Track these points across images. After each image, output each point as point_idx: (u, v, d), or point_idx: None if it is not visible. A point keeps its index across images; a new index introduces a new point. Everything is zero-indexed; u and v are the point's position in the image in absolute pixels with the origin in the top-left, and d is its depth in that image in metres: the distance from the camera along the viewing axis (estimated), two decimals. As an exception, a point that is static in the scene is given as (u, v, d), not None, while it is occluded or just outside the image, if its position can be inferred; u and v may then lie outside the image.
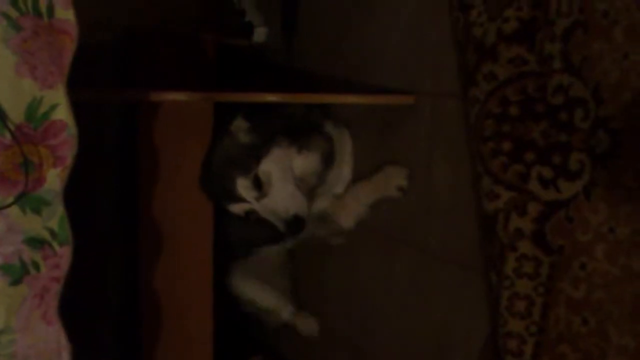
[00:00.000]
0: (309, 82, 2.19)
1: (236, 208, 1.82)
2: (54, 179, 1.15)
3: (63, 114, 1.14)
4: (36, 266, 1.16)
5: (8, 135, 1.10)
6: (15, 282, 1.15)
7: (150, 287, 1.79)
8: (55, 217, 1.16)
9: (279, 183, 1.77)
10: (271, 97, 1.70)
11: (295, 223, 1.74)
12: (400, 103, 1.74)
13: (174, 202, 1.77)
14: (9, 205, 1.12)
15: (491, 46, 1.41)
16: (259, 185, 1.76)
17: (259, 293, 2.27)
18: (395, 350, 1.91)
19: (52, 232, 1.16)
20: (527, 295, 1.36)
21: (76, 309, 1.21)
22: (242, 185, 1.76)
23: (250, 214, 1.81)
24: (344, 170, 2.00)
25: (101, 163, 1.80)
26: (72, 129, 1.15)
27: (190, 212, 1.81)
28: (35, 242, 1.16)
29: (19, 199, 1.13)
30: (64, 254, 1.18)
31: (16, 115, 1.11)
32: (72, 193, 1.18)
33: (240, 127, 1.79)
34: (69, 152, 1.15)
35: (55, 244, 1.17)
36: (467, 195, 1.56)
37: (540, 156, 1.33)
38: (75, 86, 1.15)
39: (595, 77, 1.22)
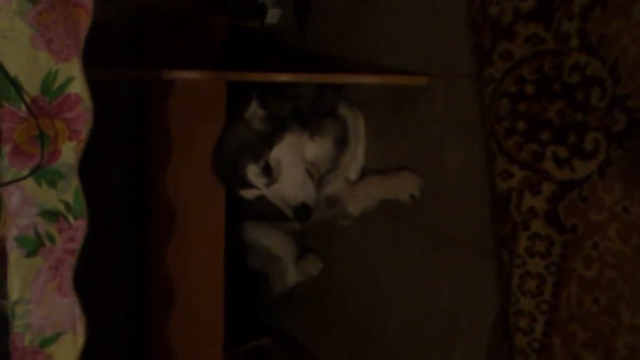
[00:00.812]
0: (321, 63, 2.19)
1: (247, 193, 1.83)
2: (69, 152, 1.16)
3: (78, 87, 1.14)
4: (51, 238, 1.17)
5: (24, 108, 1.10)
6: (31, 253, 1.16)
7: (161, 267, 1.80)
8: (70, 190, 1.17)
9: (289, 170, 1.77)
10: (284, 77, 1.70)
11: (303, 211, 1.75)
12: (412, 84, 1.73)
13: (186, 181, 1.77)
14: (24, 178, 1.13)
15: (507, 25, 1.40)
16: (269, 171, 1.76)
17: (270, 236, 2.28)
18: (403, 332, 1.92)
19: (67, 205, 1.17)
20: (538, 274, 1.36)
21: (86, 287, 1.22)
22: (252, 172, 1.77)
23: (259, 199, 1.82)
24: (358, 153, 2.00)
25: (114, 141, 1.80)
26: (87, 102, 1.15)
27: (202, 192, 1.80)
28: (50, 215, 1.16)
29: (35, 172, 1.13)
30: (79, 227, 1.18)
31: (32, 88, 1.11)
32: (86, 169, 1.19)
33: (255, 113, 1.79)
34: (84, 126, 1.16)
35: (70, 217, 1.17)
36: (478, 176, 1.56)
37: (555, 135, 1.33)
38: (89, 65, 1.15)
39: (613, 56, 1.22)
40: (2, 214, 1.14)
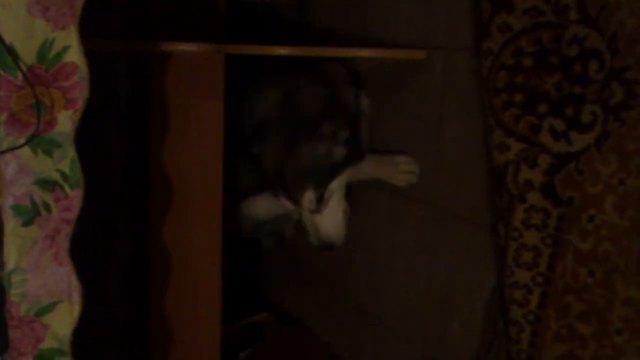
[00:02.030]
0: (320, 37, 2.18)
1: (284, 201, 1.83)
2: (66, 121, 1.15)
3: (75, 56, 1.13)
4: (47, 207, 1.17)
5: (20, 76, 1.10)
6: (27, 222, 1.16)
7: (158, 241, 1.80)
8: (67, 160, 1.17)
9: (334, 207, 1.81)
10: (283, 50, 1.69)
11: (329, 248, 1.79)
12: (411, 58, 1.72)
13: (184, 155, 1.77)
14: (20, 146, 1.13)
15: (506, -4, 1.39)
16: (320, 201, 1.77)
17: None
18: (400, 308, 1.93)
19: (63, 174, 1.17)
20: (534, 246, 1.37)
21: (83, 262, 1.22)
22: (308, 197, 1.77)
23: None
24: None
25: (111, 113, 1.79)
26: (83, 71, 1.14)
27: (200, 165, 1.80)
28: (46, 184, 1.16)
29: (30, 140, 1.13)
30: (75, 197, 1.18)
31: (28, 56, 1.11)
32: (83, 140, 1.18)
33: (342, 135, 1.77)
34: (80, 95, 1.15)
35: (66, 186, 1.17)
36: (476, 151, 1.56)
37: (553, 108, 1.32)
38: (86, 35, 1.14)
39: (612, 28, 1.21)
40: (-2, 182, 1.14)
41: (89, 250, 1.31)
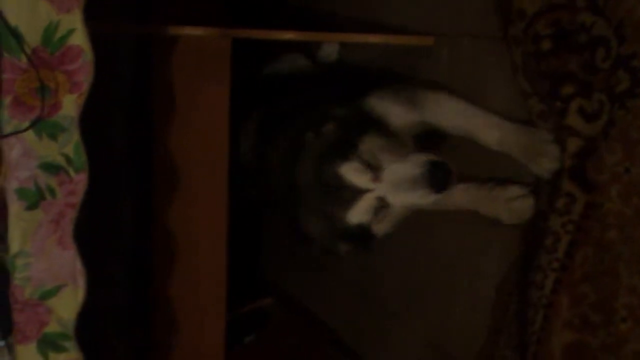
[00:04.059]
0: (326, 22, 2.17)
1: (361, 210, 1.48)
2: (70, 105, 1.15)
3: (79, 39, 1.13)
4: (52, 192, 1.17)
5: (24, 59, 1.10)
6: (31, 206, 1.16)
7: (163, 225, 1.80)
8: (71, 144, 1.17)
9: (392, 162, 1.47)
10: (289, 35, 1.69)
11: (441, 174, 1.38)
12: (419, 44, 1.71)
13: (189, 139, 1.76)
14: (24, 130, 1.12)
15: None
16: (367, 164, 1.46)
17: None
18: (404, 294, 1.93)
19: (68, 158, 1.17)
20: (555, 231, 1.36)
21: (87, 245, 1.23)
22: (352, 169, 1.45)
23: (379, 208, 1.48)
24: None
25: (116, 97, 1.79)
26: (88, 55, 1.14)
27: (205, 149, 1.80)
28: (51, 168, 1.16)
29: (35, 124, 1.13)
30: (80, 181, 1.18)
31: (33, 38, 1.10)
32: (88, 124, 1.18)
33: (329, 129, 1.56)
34: (85, 78, 1.15)
35: (70, 170, 1.17)
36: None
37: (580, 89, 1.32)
38: (91, 17, 1.14)
39: (619, 15, 1.20)
40: (2, 166, 1.14)
41: (93, 234, 1.31)
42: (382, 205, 1.44)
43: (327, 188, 1.48)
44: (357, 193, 1.43)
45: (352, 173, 1.44)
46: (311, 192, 1.54)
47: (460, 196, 1.59)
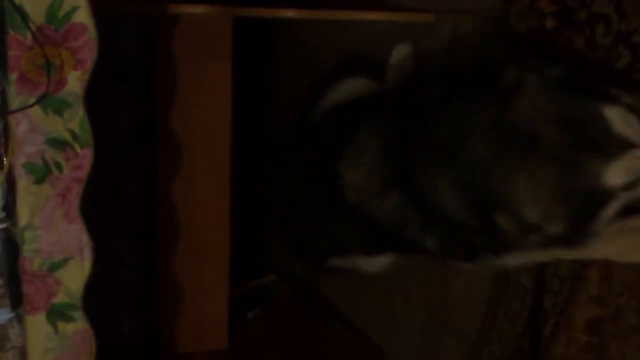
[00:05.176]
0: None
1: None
2: (75, 82, 1.17)
3: (83, 16, 1.14)
4: (59, 166, 1.19)
5: (29, 36, 1.11)
6: (39, 181, 1.18)
7: (167, 202, 1.82)
8: (76, 119, 1.18)
9: None
10: (290, 13, 1.69)
11: None
12: (419, 21, 1.72)
13: (193, 116, 1.78)
14: (31, 106, 1.14)
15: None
16: None
17: None
18: (405, 266, 1.95)
19: (74, 134, 1.19)
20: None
21: (93, 221, 1.25)
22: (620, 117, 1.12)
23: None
24: None
25: (120, 73, 1.81)
26: (92, 32, 1.15)
27: (208, 126, 1.81)
28: (57, 143, 1.18)
29: (41, 100, 1.14)
30: (85, 156, 1.20)
31: (37, 15, 1.11)
32: (93, 101, 1.20)
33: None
34: (89, 55, 1.16)
35: (76, 146, 1.19)
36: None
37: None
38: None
39: (620, -9, 1.21)
40: (10, 141, 1.16)
41: (99, 209, 1.33)
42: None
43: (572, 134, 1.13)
44: (618, 147, 1.11)
45: (621, 121, 1.12)
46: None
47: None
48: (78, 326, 1.25)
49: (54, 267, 1.22)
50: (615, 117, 1.11)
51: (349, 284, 2.24)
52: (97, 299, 1.27)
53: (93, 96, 1.19)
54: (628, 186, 1.12)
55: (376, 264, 1.76)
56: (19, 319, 1.23)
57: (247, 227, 2.25)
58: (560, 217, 1.14)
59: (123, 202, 1.91)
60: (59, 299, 1.23)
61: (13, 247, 1.20)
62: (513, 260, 1.30)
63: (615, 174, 1.11)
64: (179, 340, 1.96)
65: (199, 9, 1.61)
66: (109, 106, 1.71)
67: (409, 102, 1.46)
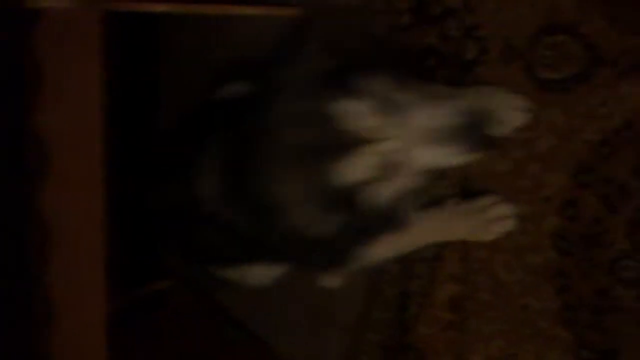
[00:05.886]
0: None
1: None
2: None
3: None
4: None
5: None
6: None
7: (36, 207, 1.75)
8: None
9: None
10: (161, 7, 1.66)
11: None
12: (283, 14, 1.73)
13: (61, 117, 1.70)
14: None
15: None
16: None
17: None
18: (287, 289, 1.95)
19: None
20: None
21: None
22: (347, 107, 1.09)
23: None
24: None
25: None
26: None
27: (77, 130, 1.75)
28: None
29: None
30: None
31: None
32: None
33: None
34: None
35: None
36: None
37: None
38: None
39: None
40: None
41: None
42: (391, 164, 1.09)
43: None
44: (353, 144, 1.07)
45: (352, 114, 1.07)
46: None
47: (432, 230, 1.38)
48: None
49: None
50: (347, 112, 1.07)
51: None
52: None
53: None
54: (371, 180, 1.08)
55: (259, 276, 1.69)
56: None
57: (139, 231, 2.20)
58: (325, 218, 1.11)
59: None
60: None
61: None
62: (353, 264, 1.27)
63: (350, 171, 1.07)
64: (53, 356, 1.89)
65: (63, 3, 1.56)
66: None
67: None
